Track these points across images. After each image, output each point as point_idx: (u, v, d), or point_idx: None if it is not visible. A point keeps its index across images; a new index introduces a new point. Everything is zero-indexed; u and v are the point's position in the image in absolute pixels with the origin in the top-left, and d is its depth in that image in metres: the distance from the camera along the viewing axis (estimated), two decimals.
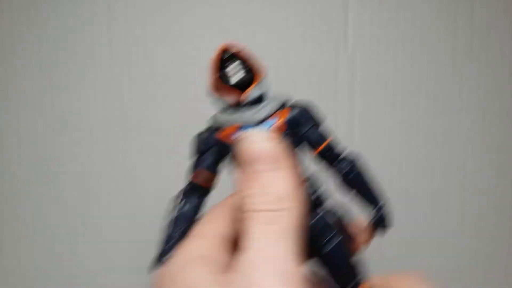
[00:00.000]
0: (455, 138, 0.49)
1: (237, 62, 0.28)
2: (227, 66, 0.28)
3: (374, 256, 0.50)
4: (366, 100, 0.48)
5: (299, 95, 0.48)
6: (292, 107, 0.29)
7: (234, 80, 0.27)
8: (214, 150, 0.27)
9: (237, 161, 0.25)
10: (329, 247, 0.25)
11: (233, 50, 0.28)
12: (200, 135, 0.28)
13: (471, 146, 0.49)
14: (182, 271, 0.22)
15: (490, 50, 0.48)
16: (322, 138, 0.29)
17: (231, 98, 0.27)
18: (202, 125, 0.48)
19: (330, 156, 0.28)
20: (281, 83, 0.48)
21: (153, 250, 0.52)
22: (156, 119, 0.48)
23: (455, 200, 0.50)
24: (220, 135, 0.27)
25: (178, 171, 0.49)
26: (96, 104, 0.48)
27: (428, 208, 0.50)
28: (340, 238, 0.25)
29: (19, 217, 0.50)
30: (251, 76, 0.28)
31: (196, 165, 0.28)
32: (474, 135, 0.49)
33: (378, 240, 0.51)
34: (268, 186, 0.23)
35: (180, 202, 0.28)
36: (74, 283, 0.50)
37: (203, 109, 0.49)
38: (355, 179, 0.28)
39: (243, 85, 0.27)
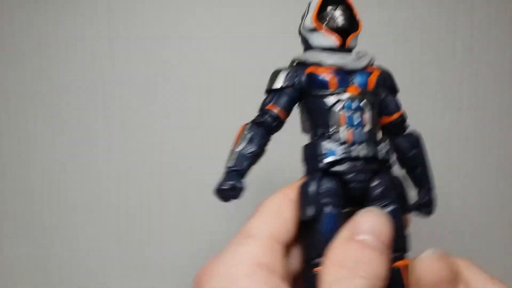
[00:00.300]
0: (455, 138, 0.49)
1: (342, 7, 0.28)
2: (329, 8, 0.28)
3: None
4: None
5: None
6: (379, 67, 0.30)
7: (339, 23, 0.28)
8: (297, 86, 0.27)
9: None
10: (387, 209, 0.25)
11: None
12: (285, 69, 0.28)
13: (471, 146, 0.49)
14: (242, 279, 0.22)
15: (490, 50, 0.48)
16: (397, 107, 0.30)
17: (328, 40, 0.27)
18: (202, 125, 0.47)
19: (399, 127, 0.29)
20: None
21: (153, 250, 0.52)
22: (156, 119, 0.48)
23: (455, 200, 0.50)
24: (310, 71, 0.27)
25: (178, 170, 0.49)
26: (96, 104, 0.48)
27: None
28: (397, 205, 0.26)
29: (19, 217, 0.50)
30: (352, 24, 0.28)
31: (274, 98, 0.27)
32: (474, 135, 0.49)
33: None
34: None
35: (249, 132, 0.27)
36: (74, 283, 0.50)
37: (203, 109, 0.49)
38: (416, 156, 0.29)
39: (343, 31, 0.28)
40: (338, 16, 0.28)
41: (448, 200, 0.50)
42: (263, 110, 0.27)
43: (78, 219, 0.49)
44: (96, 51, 0.48)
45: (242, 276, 0.22)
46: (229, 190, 0.26)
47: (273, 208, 0.25)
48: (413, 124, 0.52)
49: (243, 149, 0.26)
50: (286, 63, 0.49)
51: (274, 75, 0.28)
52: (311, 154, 0.27)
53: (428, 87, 0.48)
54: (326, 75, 0.26)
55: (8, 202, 0.50)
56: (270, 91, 0.28)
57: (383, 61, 0.48)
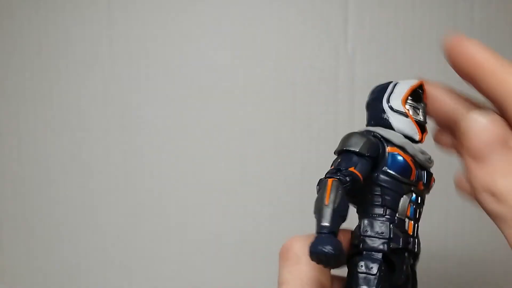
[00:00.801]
0: None
1: (424, 105, 0.30)
2: (411, 99, 0.29)
3: None
4: (366, 100, 0.48)
5: (299, 95, 0.48)
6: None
7: (421, 118, 0.29)
8: (374, 159, 0.27)
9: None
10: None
11: (423, 91, 0.30)
12: (370, 135, 0.27)
13: None
14: None
15: None
16: None
17: (409, 129, 0.28)
18: (202, 125, 0.47)
19: None
20: (281, 83, 0.48)
21: (153, 250, 0.52)
22: (156, 119, 0.48)
23: (455, 200, 0.50)
24: (393, 151, 0.27)
25: (178, 171, 0.49)
26: (96, 104, 0.48)
27: (428, 208, 0.49)
28: None
29: (19, 217, 0.50)
30: (425, 121, 0.29)
31: (359, 164, 0.26)
32: None
33: None
34: None
35: (342, 192, 0.25)
36: (74, 282, 0.50)
37: (204, 109, 0.49)
38: None
39: (421, 127, 0.29)
40: (421, 111, 0.29)
41: (448, 200, 0.50)
42: (346, 171, 0.26)
43: (78, 219, 0.49)
44: (96, 51, 0.48)
45: None
46: (331, 257, 0.23)
47: (302, 248, 0.26)
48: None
49: (339, 208, 0.24)
50: (286, 63, 0.49)
51: (358, 138, 0.27)
52: (377, 232, 0.26)
53: None
54: (410, 162, 0.27)
55: (8, 202, 0.50)
56: (353, 152, 0.26)
57: (383, 61, 0.48)
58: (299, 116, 0.48)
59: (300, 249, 0.27)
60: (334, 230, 0.23)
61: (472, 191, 0.25)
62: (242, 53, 0.48)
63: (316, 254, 0.23)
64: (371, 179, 0.27)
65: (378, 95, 0.29)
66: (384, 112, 0.28)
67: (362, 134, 0.27)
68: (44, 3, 0.48)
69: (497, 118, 0.24)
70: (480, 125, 0.23)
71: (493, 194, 0.23)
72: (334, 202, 0.24)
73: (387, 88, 0.29)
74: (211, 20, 0.48)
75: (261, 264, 0.48)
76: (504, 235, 0.23)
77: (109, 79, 0.48)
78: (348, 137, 0.27)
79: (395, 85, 0.29)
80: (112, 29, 0.48)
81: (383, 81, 0.51)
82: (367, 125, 0.30)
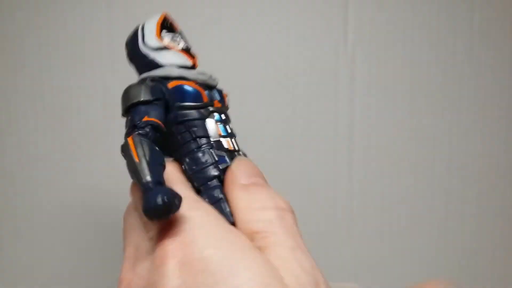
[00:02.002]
0: (455, 138, 0.49)
1: (179, 33, 0.30)
2: (166, 32, 0.29)
3: (374, 256, 0.50)
4: (366, 100, 0.48)
5: (299, 95, 0.48)
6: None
7: (184, 44, 0.29)
8: (163, 101, 0.26)
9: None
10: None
11: (171, 22, 0.30)
12: (146, 82, 0.27)
13: (471, 146, 0.49)
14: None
15: (490, 50, 0.48)
16: None
17: (178, 58, 0.28)
18: None
19: None
20: (281, 83, 0.48)
21: None
22: None
23: (455, 200, 0.50)
24: (172, 85, 0.27)
25: None
26: (96, 104, 0.48)
27: (428, 208, 0.50)
28: None
29: (19, 217, 0.50)
30: (189, 46, 0.30)
31: (149, 111, 0.25)
32: (474, 135, 0.49)
33: (378, 239, 0.51)
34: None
35: (147, 142, 0.24)
36: (74, 282, 0.50)
37: None
38: None
39: (187, 52, 0.29)
40: (179, 38, 0.29)
41: (448, 200, 0.50)
42: (141, 123, 0.25)
43: (78, 219, 0.49)
44: (96, 51, 0.48)
45: (228, 233, 0.23)
46: (172, 202, 0.21)
47: (178, 176, 0.26)
48: (413, 124, 0.52)
49: (152, 159, 0.23)
50: (286, 63, 0.49)
51: (136, 90, 0.26)
52: (202, 163, 0.26)
53: (428, 87, 0.48)
54: (197, 87, 0.27)
55: (8, 202, 0.50)
56: (137, 104, 0.26)
57: (383, 61, 0.49)
58: (299, 116, 0.48)
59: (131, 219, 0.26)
60: (158, 179, 0.22)
61: None
62: (242, 53, 0.48)
63: (152, 210, 0.21)
64: (171, 121, 0.27)
65: (133, 44, 0.29)
66: (147, 56, 0.28)
67: (138, 83, 0.27)
68: (44, 3, 0.48)
69: None
70: None
71: None
72: (145, 155, 0.23)
73: (137, 34, 0.29)
74: (211, 20, 0.48)
75: None
76: None
77: (109, 79, 0.48)
78: (126, 93, 0.26)
79: (142, 27, 0.29)
80: (112, 29, 0.48)
81: (383, 80, 0.51)
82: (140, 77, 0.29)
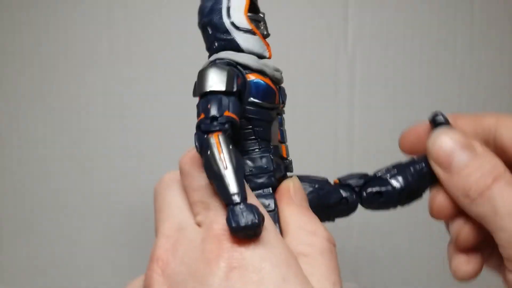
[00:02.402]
0: None
1: (263, 14, 0.26)
2: (254, 11, 0.25)
3: (374, 256, 0.50)
4: (366, 100, 0.48)
5: (299, 95, 0.48)
6: None
7: (265, 30, 0.26)
8: (239, 93, 0.23)
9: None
10: None
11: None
12: (230, 69, 0.23)
13: None
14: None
15: (490, 50, 0.48)
16: None
17: (259, 47, 0.25)
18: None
19: None
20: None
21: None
22: (156, 118, 0.48)
23: None
24: (251, 77, 0.24)
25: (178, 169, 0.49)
26: (96, 104, 0.48)
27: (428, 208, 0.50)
28: None
29: (19, 216, 0.50)
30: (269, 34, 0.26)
31: (227, 106, 0.22)
32: None
33: (378, 240, 0.51)
34: None
35: (233, 147, 0.21)
36: (74, 282, 0.50)
37: None
38: None
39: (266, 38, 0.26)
40: (262, 21, 0.26)
41: None
42: (222, 117, 0.22)
43: (78, 219, 0.49)
44: (96, 51, 0.48)
45: (287, 253, 0.22)
46: (258, 226, 0.20)
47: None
48: (413, 124, 0.52)
49: (239, 168, 0.21)
50: (286, 63, 0.49)
51: (219, 74, 0.23)
52: (261, 168, 0.24)
53: (428, 87, 0.48)
54: (272, 86, 0.24)
55: (8, 202, 0.50)
56: (219, 93, 0.22)
57: (383, 61, 0.48)
58: (299, 116, 0.48)
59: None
60: (245, 194, 0.20)
61: (451, 208, 0.26)
62: None
63: (241, 230, 0.20)
64: None
65: (214, 12, 0.25)
66: (227, 32, 0.24)
67: (221, 67, 0.23)
68: (44, 4, 0.48)
69: (456, 130, 0.25)
70: (440, 137, 0.25)
71: (467, 197, 0.24)
72: (232, 161, 0.20)
73: (221, 1, 0.25)
74: None
75: None
76: (493, 235, 0.23)
77: (109, 79, 0.48)
78: (205, 75, 0.23)
79: None
80: (112, 29, 0.48)
81: (383, 80, 0.51)
82: (209, 50, 0.26)
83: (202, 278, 0.20)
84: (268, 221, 0.21)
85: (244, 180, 0.21)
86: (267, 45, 0.25)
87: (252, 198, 0.22)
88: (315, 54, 0.48)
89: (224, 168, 0.20)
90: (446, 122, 0.27)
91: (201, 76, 0.23)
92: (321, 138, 0.49)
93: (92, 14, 0.48)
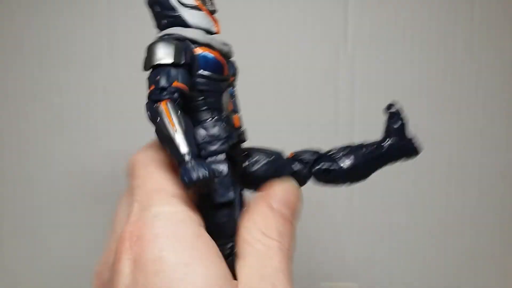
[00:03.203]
0: (455, 138, 0.49)
1: None
2: None
3: (374, 256, 0.50)
4: (366, 100, 0.48)
5: (299, 94, 0.48)
6: None
7: (214, 7, 0.28)
8: (188, 66, 0.24)
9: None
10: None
11: None
12: (179, 42, 0.25)
13: (471, 146, 0.49)
14: (194, 242, 0.21)
15: (490, 50, 0.48)
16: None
17: (206, 22, 0.27)
18: None
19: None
20: (281, 83, 0.48)
21: None
22: None
23: (455, 200, 0.50)
24: (202, 51, 0.25)
25: None
26: (96, 104, 0.48)
27: (428, 208, 0.50)
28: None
29: (19, 217, 0.50)
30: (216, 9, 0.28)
31: (176, 77, 0.24)
32: (474, 135, 0.49)
33: (378, 239, 0.51)
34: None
35: (180, 111, 0.23)
36: (74, 282, 0.50)
37: None
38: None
39: (213, 14, 0.27)
40: (212, 0, 0.27)
41: (448, 200, 0.50)
42: (170, 87, 0.23)
43: (78, 219, 0.49)
44: (96, 51, 0.48)
45: (192, 237, 0.21)
46: (210, 177, 0.22)
47: (163, 163, 0.24)
48: (413, 124, 0.52)
49: (187, 129, 0.23)
50: (286, 63, 0.49)
51: (167, 46, 0.24)
52: (213, 136, 0.25)
53: (428, 87, 0.48)
54: (220, 59, 0.26)
55: (8, 202, 0.50)
56: (167, 65, 0.24)
57: (383, 61, 0.48)
58: (299, 116, 0.48)
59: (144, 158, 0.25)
60: (196, 152, 0.22)
61: None
62: (242, 53, 0.48)
63: (194, 183, 0.21)
64: (190, 87, 0.25)
65: None
66: (173, 9, 0.26)
67: (168, 41, 0.24)
68: (44, 3, 0.48)
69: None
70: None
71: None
72: (181, 124, 0.22)
73: None
74: None
75: None
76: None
77: (109, 79, 0.48)
78: (153, 49, 0.24)
79: None
80: (112, 29, 0.48)
81: (383, 80, 0.51)
82: (158, 27, 0.27)
83: (113, 281, 0.21)
84: (181, 207, 0.22)
85: (194, 140, 0.23)
86: (215, 20, 0.27)
87: None
88: (315, 54, 0.48)
89: (174, 131, 0.22)
90: (399, 114, 0.30)
91: (150, 50, 0.25)
92: (321, 138, 0.49)
93: (92, 14, 0.48)
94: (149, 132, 0.51)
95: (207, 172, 0.21)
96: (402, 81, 0.48)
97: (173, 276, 0.19)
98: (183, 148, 0.22)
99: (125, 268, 0.21)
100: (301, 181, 0.29)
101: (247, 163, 0.28)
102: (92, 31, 0.48)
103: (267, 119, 0.48)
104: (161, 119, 0.22)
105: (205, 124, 0.26)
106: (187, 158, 0.22)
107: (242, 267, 0.22)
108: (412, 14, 0.48)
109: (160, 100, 0.23)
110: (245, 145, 0.29)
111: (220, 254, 0.22)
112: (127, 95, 0.48)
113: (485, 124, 0.49)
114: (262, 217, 0.24)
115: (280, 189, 0.26)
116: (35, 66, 0.48)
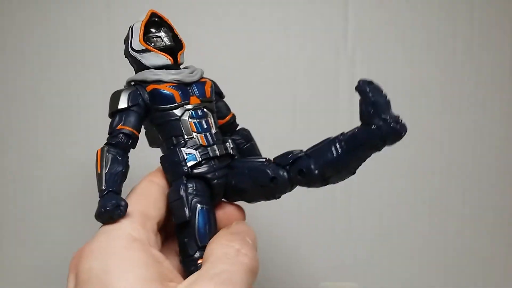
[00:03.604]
0: (455, 138, 0.49)
1: (165, 29, 0.31)
2: (153, 31, 0.31)
3: (374, 256, 0.50)
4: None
5: (299, 94, 0.48)
6: (207, 77, 0.32)
7: (165, 43, 0.31)
8: (142, 105, 0.29)
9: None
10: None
11: (160, 17, 0.32)
12: (125, 89, 0.30)
13: (471, 146, 0.49)
14: (120, 252, 0.24)
15: (490, 50, 0.48)
16: (228, 109, 0.34)
17: (158, 59, 0.30)
18: None
19: (232, 126, 0.34)
20: (281, 83, 0.48)
21: None
22: None
23: (455, 200, 0.50)
24: (152, 88, 0.29)
25: None
26: (96, 103, 0.48)
27: (428, 208, 0.50)
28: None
29: (19, 217, 0.50)
30: (176, 43, 0.31)
31: (123, 118, 0.29)
32: (474, 135, 0.49)
33: (378, 239, 0.51)
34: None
35: (109, 154, 0.28)
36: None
37: None
38: (252, 145, 0.34)
39: (170, 50, 0.31)
40: (164, 37, 0.31)
41: (448, 200, 0.50)
42: (114, 131, 0.29)
43: (77, 219, 0.49)
44: (96, 51, 0.48)
45: (120, 249, 0.24)
46: (114, 209, 0.26)
47: (142, 191, 0.28)
48: (413, 124, 0.52)
49: (110, 169, 0.27)
50: (286, 63, 0.49)
51: (116, 97, 0.29)
52: (173, 162, 0.29)
53: (428, 87, 0.48)
54: (169, 90, 0.29)
55: (8, 202, 0.50)
56: (115, 112, 0.29)
57: (383, 61, 0.48)
58: (299, 115, 0.48)
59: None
60: (112, 188, 0.27)
61: None
62: (242, 53, 0.48)
63: (100, 215, 0.26)
64: (153, 122, 0.30)
65: (126, 45, 0.31)
66: (134, 57, 0.30)
67: (118, 90, 0.30)
68: (44, 3, 0.48)
69: None
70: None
71: None
72: (105, 166, 0.27)
73: (128, 34, 0.31)
74: (211, 20, 0.48)
75: None
76: None
77: (109, 79, 0.48)
78: (110, 99, 0.30)
79: (132, 28, 0.31)
80: (112, 29, 0.48)
81: (383, 80, 0.51)
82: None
83: None
84: (119, 226, 0.26)
85: (118, 179, 0.27)
86: (168, 55, 0.30)
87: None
88: (315, 54, 0.48)
89: (98, 173, 0.28)
90: (364, 90, 0.26)
91: (109, 101, 0.30)
92: (321, 138, 0.49)
93: (92, 14, 0.48)
94: (143, 133, 0.51)
95: (108, 206, 0.25)
96: (402, 81, 0.48)
97: (99, 284, 0.22)
98: (101, 185, 0.27)
99: (70, 282, 0.25)
100: (283, 186, 0.28)
101: (230, 176, 0.30)
102: (92, 31, 0.48)
103: (267, 119, 0.48)
104: (95, 161, 0.28)
105: (169, 152, 0.30)
106: (100, 194, 0.27)
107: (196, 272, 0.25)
108: (412, 14, 0.48)
109: (101, 147, 0.28)
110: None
111: (157, 261, 0.24)
112: None
113: (485, 124, 0.49)
114: (225, 233, 0.27)
115: (238, 225, 0.29)
116: (35, 66, 0.48)
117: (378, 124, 0.25)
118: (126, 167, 0.29)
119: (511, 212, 0.50)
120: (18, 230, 0.50)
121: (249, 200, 0.31)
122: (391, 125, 0.24)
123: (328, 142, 0.28)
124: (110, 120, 0.29)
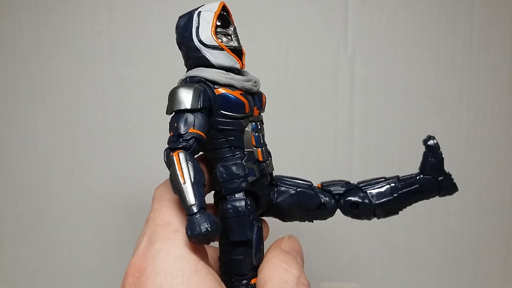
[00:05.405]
0: (455, 138, 0.49)
1: (234, 27, 0.29)
2: (222, 26, 0.28)
3: (374, 256, 0.50)
4: (366, 100, 0.48)
5: (299, 95, 0.48)
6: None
7: (235, 44, 0.28)
8: (209, 107, 0.26)
9: None
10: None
11: (228, 12, 0.28)
12: (196, 87, 0.26)
13: (471, 146, 0.49)
14: (191, 277, 0.23)
15: (490, 50, 0.48)
16: None
17: (228, 60, 0.27)
18: None
19: None
20: (281, 83, 0.48)
21: None
22: (156, 119, 0.48)
23: (455, 200, 0.50)
24: (222, 92, 0.27)
25: None
26: (96, 104, 0.48)
27: (428, 208, 0.50)
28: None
29: (19, 217, 0.50)
30: (241, 45, 0.29)
31: (195, 121, 0.25)
32: (474, 135, 0.49)
33: (378, 240, 0.51)
34: None
35: (192, 163, 0.24)
36: (74, 282, 0.50)
37: None
38: None
39: (239, 52, 0.28)
40: (232, 34, 0.28)
41: (448, 200, 0.50)
42: (187, 134, 0.25)
43: (77, 218, 0.49)
44: (96, 51, 0.48)
45: (190, 273, 0.23)
46: (215, 232, 0.23)
47: (171, 196, 0.26)
48: (413, 124, 0.52)
49: (196, 181, 0.24)
50: (286, 63, 0.49)
51: (184, 93, 0.26)
52: (234, 174, 0.27)
53: (428, 87, 0.48)
54: (241, 98, 0.27)
55: (8, 202, 0.50)
56: (184, 111, 0.25)
57: (383, 61, 0.48)
58: (299, 116, 0.48)
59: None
60: (202, 204, 0.23)
61: None
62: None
63: (195, 237, 0.23)
64: (211, 125, 0.27)
65: (186, 32, 0.27)
66: (198, 50, 0.27)
67: (188, 86, 0.26)
68: (44, 3, 0.48)
69: None
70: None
71: None
72: (190, 175, 0.24)
73: (191, 21, 0.27)
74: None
75: None
76: None
77: (109, 79, 0.48)
78: (174, 94, 0.26)
79: (199, 15, 0.27)
80: (112, 29, 0.48)
81: (383, 80, 0.51)
82: (186, 65, 0.29)
83: None
84: (184, 241, 0.24)
85: (203, 192, 0.24)
86: (237, 57, 0.27)
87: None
88: (315, 54, 0.48)
89: (183, 183, 0.23)
90: (437, 147, 0.29)
91: (171, 95, 0.26)
92: (321, 138, 0.49)
93: (92, 14, 0.48)
94: (148, 132, 0.51)
95: (209, 227, 0.22)
96: (402, 81, 0.48)
97: None
98: (190, 200, 0.23)
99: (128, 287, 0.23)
100: (329, 213, 0.29)
101: (273, 194, 0.29)
102: (92, 31, 0.48)
103: (267, 119, 0.48)
104: (173, 169, 0.24)
105: (225, 163, 0.27)
106: (193, 210, 0.23)
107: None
108: (412, 14, 0.48)
109: (175, 149, 0.25)
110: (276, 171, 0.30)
111: (221, 286, 0.24)
112: (127, 95, 0.48)
113: (485, 124, 0.49)
114: (280, 258, 0.27)
115: (288, 239, 0.29)
116: (34, 66, 0.48)
117: (442, 178, 0.29)
118: (205, 179, 0.25)
119: (511, 212, 0.50)
120: (18, 230, 0.50)
121: (285, 219, 0.30)
122: (453, 181, 0.29)
123: (384, 182, 0.29)
124: (170, 116, 0.26)
